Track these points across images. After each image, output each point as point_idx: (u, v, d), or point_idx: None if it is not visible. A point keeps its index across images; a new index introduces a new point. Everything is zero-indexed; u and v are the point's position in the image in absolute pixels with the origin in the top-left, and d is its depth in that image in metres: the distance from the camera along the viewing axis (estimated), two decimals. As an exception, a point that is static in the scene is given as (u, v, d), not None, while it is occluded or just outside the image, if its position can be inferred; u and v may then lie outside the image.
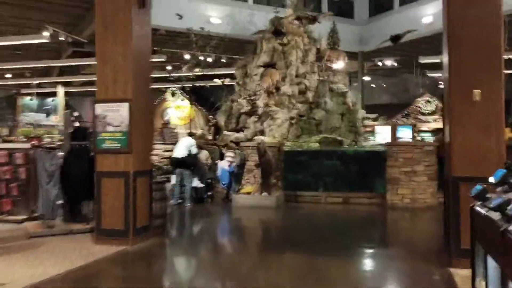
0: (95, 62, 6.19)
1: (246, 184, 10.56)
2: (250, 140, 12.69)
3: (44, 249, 5.63)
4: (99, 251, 5.49)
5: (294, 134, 13.30)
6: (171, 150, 10.97)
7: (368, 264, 5.56)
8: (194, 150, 9.96)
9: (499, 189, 2.89)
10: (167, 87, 21.03)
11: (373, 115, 19.86)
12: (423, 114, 21.54)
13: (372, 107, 21.09)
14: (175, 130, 19.20)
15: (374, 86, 25.45)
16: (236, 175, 10.66)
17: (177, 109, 22.38)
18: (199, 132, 16.94)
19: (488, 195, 2.87)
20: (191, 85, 16.69)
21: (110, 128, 5.92)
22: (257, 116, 14.02)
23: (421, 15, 17.13)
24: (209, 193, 10.79)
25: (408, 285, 4.70)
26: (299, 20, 14.69)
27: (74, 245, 5.81)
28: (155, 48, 15.51)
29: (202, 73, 16.25)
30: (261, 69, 13.91)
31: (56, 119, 21.83)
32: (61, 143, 7.59)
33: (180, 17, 14.08)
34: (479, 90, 4.78)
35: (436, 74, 19.64)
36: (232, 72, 16.16)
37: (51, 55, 18.80)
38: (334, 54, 15.20)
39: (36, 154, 6.65)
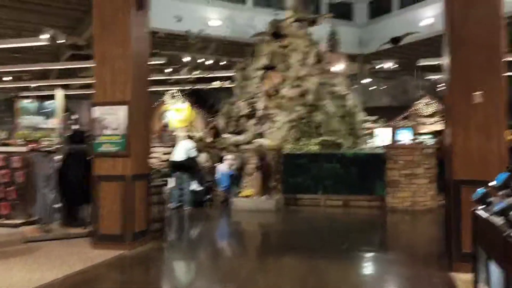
0: (93, 65, 6.15)
1: (245, 187, 10.51)
2: (249, 143, 12.63)
3: (41, 253, 5.57)
4: (97, 256, 5.43)
5: (294, 137, 13.23)
6: (170, 153, 10.92)
7: (368, 268, 5.50)
8: (193, 153, 9.91)
9: (501, 192, 2.84)
10: (166, 90, 21.00)
11: (373, 118, 19.82)
12: (423, 116, 21.51)
13: (371, 109, 21.01)
14: (174, 133, 19.15)
15: (373, 88, 25.44)
16: (235, 178, 10.61)
17: (176, 112, 22.32)
18: (198, 135, 16.90)
19: (490, 199, 2.83)
20: (190, 88, 16.66)
21: (108, 131, 5.87)
22: (256, 119, 13.97)
23: (421, 18, 17.15)
24: (208, 197, 10.74)
25: (409, 289, 4.65)
26: (298, 22, 14.67)
27: (72, 250, 5.75)
28: (154, 51, 15.50)
29: (201, 76, 16.22)
30: (261, 72, 13.87)
31: (54, 122, 21.77)
32: (59, 146, 7.54)
33: (179, 19, 14.05)
34: (480, 92, 4.74)
35: (436, 76, 19.65)
36: (231, 74, 16.14)
37: (49, 58, 18.78)
38: (333, 56, 15.18)
39: (33, 157, 6.59)
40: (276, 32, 14.06)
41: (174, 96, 20.80)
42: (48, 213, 6.43)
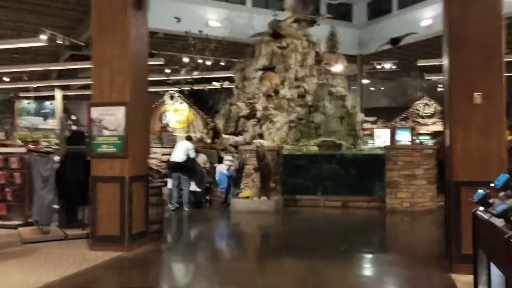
0: (92, 65, 6.12)
1: (244, 188, 10.47)
2: (249, 143, 12.61)
3: (38, 255, 5.53)
4: (94, 258, 5.39)
5: (293, 137, 13.23)
6: (169, 154, 10.89)
7: (367, 269, 5.47)
8: (192, 154, 9.88)
9: (502, 194, 2.82)
10: (165, 90, 20.97)
11: (372, 119, 19.82)
12: (422, 117, 21.51)
13: (371, 110, 21.06)
14: (174, 134, 19.13)
15: (373, 89, 25.44)
16: (235, 179, 10.58)
17: (176, 113, 22.30)
18: (197, 135, 16.86)
19: (491, 200, 2.80)
20: (189, 88, 16.64)
21: (106, 132, 5.83)
22: (256, 120, 13.95)
23: (420, 18, 17.13)
24: (208, 198, 10.71)
25: (408, 291, 4.63)
26: (297, 23, 14.64)
27: (69, 251, 5.71)
28: (153, 51, 15.48)
29: (200, 76, 16.20)
30: (260, 73, 13.85)
31: (53, 123, 21.75)
32: (57, 147, 7.51)
33: (179, 20, 14.04)
34: (480, 93, 4.71)
35: (435, 77, 19.65)
36: (231, 75, 16.11)
37: (49, 58, 18.75)
38: (333, 57, 15.16)
39: (31, 158, 6.55)
40: (275, 33, 14.03)
41: (173, 96, 20.80)
42: (45, 215, 6.38)
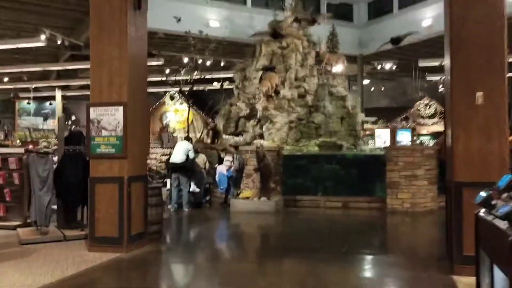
0: (90, 65, 6.08)
1: (244, 189, 10.44)
2: (249, 144, 12.57)
3: (36, 256, 5.49)
4: (93, 259, 5.35)
5: (294, 138, 13.19)
6: (169, 155, 10.85)
7: (368, 270, 5.43)
8: (192, 155, 9.84)
9: (504, 195, 2.77)
10: (165, 91, 20.94)
11: (373, 119, 19.78)
12: (423, 117, 21.47)
13: (371, 110, 21.01)
14: (174, 134, 19.11)
15: (373, 89, 25.39)
16: (235, 180, 10.54)
17: (176, 113, 22.30)
18: (197, 136, 16.83)
19: (493, 202, 2.75)
20: (189, 89, 16.59)
21: (104, 133, 5.79)
22: (256, 120, 13.92)
23: (421, 18, 17.08)
24: (207, 198, 10.67)
25: (409, 293, 4.58)
26: (297, 22, 14.60)
27: (67, 253, 5.67)
28: (153, 52, 15.44)
29: (200, 77, 16.15)
30: (260, 73, 13.81)
31: (53, 123, 21.71)
32: (56, 147, 7.48)
33: (178, 20, 13.99)
34: (482, 93, 4.67)
35: (436, 77, 19.59)
36: (231, 75, 16.07)
37: (49, 59, 18.72)
38: (333, 57, 15.12)
39: (29, 159, 6.51)
40: (275, 32, 13.99)
41: (173, 97, 20.78)
42: (43, 216, 6.35)
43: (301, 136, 13.34)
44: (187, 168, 9.66)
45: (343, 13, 20.05)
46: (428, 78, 20.40)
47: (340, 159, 10.50)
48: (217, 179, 10.72)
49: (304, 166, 10.53)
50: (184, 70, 15.86)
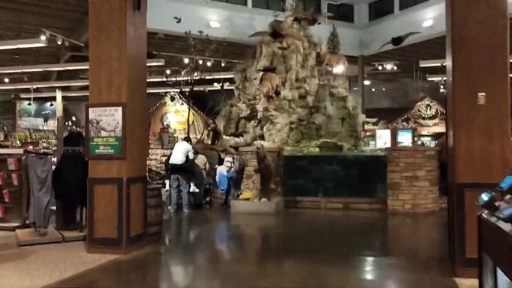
0: (89, 66, 6.05)
1: (245, 190, 10.40)
2: (249, 145, 12.53)
3: (35, 258, 5.45)
4: (91, 261, 5.31)
5: (294, 138, 13.15)
6: (168, 155, 10.82)
7: (368, 272, 5.38)
8: (191, 156, 9.81)
9: (507, 197, 2.73)
10: (166, 92, 20.92)
11: (373, 120, 19.73)
12: (424, 118, 21.42)
13: (372, 111, 20.96)
14: (175, 135, 19.08)
15: (374, 90, 25.36)
16: (235, 181, 10.50)
17: (177, 114, 22.29)
18: (198, 136, 16.79)
19: (496, 203, 2.71)
20: (190, 89, 16.56)
21: (103, 133, 5.75)
22: (256, 121, 13.88)
23: (422, 19, 17.04)
24: (208, 199, 10.63)
25: (411, 295, 4.54)
26: (298, 22, 14.55)
27: (66, 254, 5.63)
28: (153, 52, 15.42)
29: (201, 77, 16.13)
30: (261, 73, 13.76)
31: (54, 124, 21.70)
32: (55, 148, 7.44)
33: (179, 20, 13.96)
34: (484, 93, 4.63)
35: (437, 78, 19.55)
36: (231, 76, 16.04)
37: (49, 59, 18.71)
38: (334, 58, 15.07)
39: (27, 160, 6.47)
40: (275, 32, 13.94)
41: (174, 98, 20.76)
42: (42, 217, 6.30)
43: (301, 137, 13.30)
44: (187, 169, 9.62)
45: (344, 14, 20.02)
46: (429, 79, 20.36)
47: (340, 160, 10.45)
48: (217, 180, 10.68)
49: (304, 167, 10.49)
50: (184, 70, 15.84)
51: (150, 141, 15.88)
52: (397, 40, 13.49)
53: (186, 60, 15.99)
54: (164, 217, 7.67)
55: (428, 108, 21.33)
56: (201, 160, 10.66)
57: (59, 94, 21.24)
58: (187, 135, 14.20)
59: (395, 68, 19.68)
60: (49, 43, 13.59)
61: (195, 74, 15.82)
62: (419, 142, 18.83)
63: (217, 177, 10.69)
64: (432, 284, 4.61)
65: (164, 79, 16.70)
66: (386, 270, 5.34)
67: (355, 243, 6.86)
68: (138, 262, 5.45)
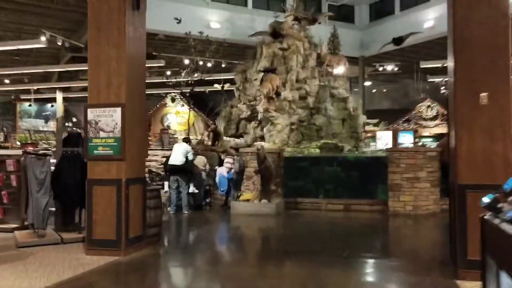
0: (89, 66, 6.02)
1: (245, 191, 10.36)
2: (249, 146, 12.49)
3: (33, 259, 5.41)
4: (90, 262, 5.27)
5: (295, 139, 13.11)
6: (167, 157, 10.77)
7: (369, 274, 5.33)
8: (191, 156, 9.78)
9: (511, 198, 2.68)
10: (166, 93, 20.90)
11: (374, 121, 19.70)
12: (424, 119, 21.37)
13: (373, 112, 20.94)
14: (175, 136, 19.04)
15: (375, 91, 25.32)
16: (235, 182, 10.47)
17: (177, 115, 22.25)
18: (198, 137, 16.75)
19: (499, 205, 2.67)
20: (190, 90, 16.54)
21: (102, 134, 5.71)
22: (257, 122, 13.85)
23: (422, 20, 17.02)
24: (208, 200, 10.59)
25: (412, 298, 4.49)
26: (298, 21, 14.53)
27: (64, 256, 5.59)
28: (154, 53, 15.40)
29: (201, 78, 16.11)
30: (261, 74, 13.74)
31: (54, 125, 21.68)
32: (55, 149, 7.40)
33: (179, 21, 13.94)
34: (486, 94, 4.59)
35: (437, 79, 19.52)
36: (231, 77, 16.01)
37: (49, 60, 18.70)
38: (334, 59, 15.05)
39: (26, 160, 6.44)
40: (275, 32, 13.90)
41: (174, 99, 20.74)
42: (41, 218, 6.26)
43: (302, 138, 13.27)
44: (186, 170, 9.58)
45: (344, 15, 20.00)
46: (430, 80, 20.33)
47: (341, 161, 10.41)
48: (217, 181, 10.64)
49: (305, 168, 10.45)
50: (184, 71, 15.82)
51: (150, 142, 15.86)
52: (398, 40, 13.44)
53: (186, 61, 15.97)
54: (164, 218, 7.63)
55: (429, 109, 21.29)
56: (200, 161, 10.62)
57: (59, 95, 21.20)
58: (186, 136, 14.17)
59: (396, 69, 19.64)
60: (49, 44, 13.57)
61: (196, 75, 15.80)
62: (420, 143, 18.78)
63: (217, 178, 10.65)
64: (433, 286, 4.57)
65: (165, 80, 16.69)
66: (387, 272, 5.29)
67: (356, 244, 6.81)
68: (137, 264, 5.41)
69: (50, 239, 6.25)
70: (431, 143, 18.84)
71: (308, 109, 13.74)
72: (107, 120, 5.70)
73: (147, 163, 10.91)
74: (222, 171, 10.56)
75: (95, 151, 5.74)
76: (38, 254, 5.65)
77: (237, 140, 13.88)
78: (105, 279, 4.89)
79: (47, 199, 6.33)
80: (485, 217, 2.86)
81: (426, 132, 21.10)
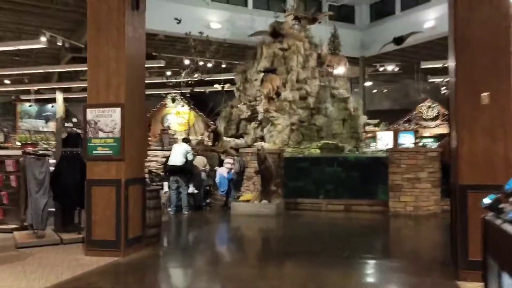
0: (88, 66, 6.00)
1: (245, 192, 10.33)
2: (250, 146, 12.47)
3: (32, 260, 5.39)
4: (89, 263, 5.25)
5: (295, 140, 13.09)
6: (167, 157, 10.74)
7: (370, 275, 5.31)
8: (190, 157, 9.75)
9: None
10: (167, 93, 20.89)
11: (375, 121, 19.67)
12: (425, 119, 21.35)
13: (373, 113, 20.91)
14: (175, 136, 19.02)
15: (375, 91, 25.30)
16: (235, 182, 10.44)
17: (178, 115, 22.23)
18: (198, 138, 16.73)
19: (501, 206, 2.64)
20: (190, 91, 16.53)
21: (101, 134, 5.69)
22: (257, 122, 13.82)
23: (423, 20, 17.00)
24: (208, 201, 10.56)
25: (413, 299, 4.46)
26: (298, 20, 14.50)
27: (63, 256, 5.57)
28: (154, 53, 15.39)
29: (201, 79, 16.10)
30: (261, 75, 13.72)
31: (54, 126, 21.66)
32: (54, 149, 7.38)
33: (179, 21, 13.92)
34: (487, 93, 4.56)
35: (438, 79, 19.51)
36: (232, 77, 16.00)
37: (50, 61, 18.70)
38: (335, 59, 15.03)
39: (25, 161, 6.41)
40: (275, 31, 13.87)
41: (175, 99, 20.71)
42: (40, 219, 6.24)
43: (302, 138, 13.24)
44: (186, 170, 9.56)
45: (345, 15, 19.98)
46: (430, 80, 20.31)
47: (342, 161, 10.38)
48: (217, 181, 10.61)
49: (305, 169, 10.42)
50: (184, 72, 15.81)
51: (150, 142, 15.83)
52: (398, 40, 13.38)
53: (186, 62, 15.95)
54: (164, 219, 7.60)
55: (430, 109, 21.27)
56: (200, 161, 10.59)
57: (60, 96, 21.21)
58: (186, 136, 14.14)
59: (396, 69, 19.62)
60: (49, 44, 13.57)
61: (196, 75, 15.79)
62: (421, 144, 18.75)
63: (217, 178, 10.62)
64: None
65: (165, 81, 16.67)
66: (388, 273, 5.27)
67: (356, 245, 6.79)
68: (136, 265, 5.38)
69: (49, 239, 6.23)
70: (431, 144, 18.82)
71: (309, 109, 13.71)
72: (107, 120, 5.68)
73: (147, 164, 10.89)
74: (222, 172, 10.53)
75: (94, 152, 5.72)
76: (37, 255, 5.63)
77: (237, 141, 13.85)
78: (104, 280, 4.86)
79: (46, 200, 6.30)
80: (487, 217, 2.84)
81: (426, 133, 21.08)
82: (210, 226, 8.87)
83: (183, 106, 20.76)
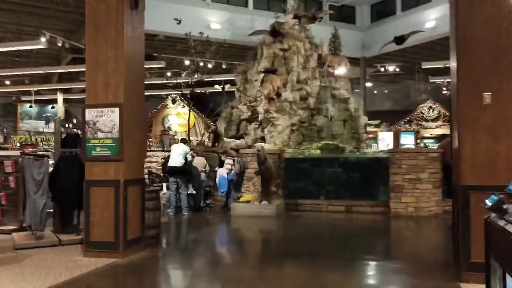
0: (86, 67, 5.96)
1: (245, 192, 10.29)
2: (250, 147, 12.43)
3: (30, 261, 5.35)
4: (87, 264, 5.21)
5: (295, 141, 13.05)
6: (166, 158, 10.71)
7: (371, 277, 5.26)
8: (190, 157, 9.72)
9: (515, 199, 2.61)
10: (167, 94, 20.87)
11: (376, 122, 19.63)
12: (426, 120, 21.31)
13: (374, 113, 20.88)
14: (175, 137, 19.01)
15: (376, 92, 25.26)
16: (235, 183, 10.40)
17: (178, 116, 22.23)
18: (198, 138, 16.71)
19: (504, 206, 2.60)
20: (190, 92, 16.49)
21: (100, 135, 5.65)
22: (257, 123, 13.79)
23: (424, 20, 16.96)
24: (208, 202, 10.53)
25: (414, 301, 4.42)
26: (298, 19, 14.46)
27: (62, 258, 5.53)
28: (154, 54, 15.36)
29: (201, 79, 16.06)
30: (262, 75, 13.68)
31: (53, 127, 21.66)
32: (53, 150, 7.34)
33: (179, 21, 13.89)
34: (489, 93, 4.52)
35: (439, 80, 19.46)
36: (232, 78, 15.97)
37: (50, 62, 18.70)
38: (335, 59, 15.00)
39: (23, 162, 6.37)
40: (275, 30, 13.83)
41: (175, 100, 20.69)
42: (38, 220, 6.20)
43: (303, 139, 13.20)
44: (185, 171, 9.52)
45: (345, 15, 19.95)
46: (432, 81, 20.26)
47: (342, 162, 10.35)
48: (217, 182, 10.57)
49: (306, 169, 10.37)
50: (185, 72, 15.77)
51: (150, 143, 15.80)
52: (399, 39, 13.31)
53: (186, 62, 15.92)
54: (163, 220, 7.57)
55: (431, 110, 21.23)
56: (200, 162, 10.56)
57: (60, 97, 21.20)
58: (184, 137, 14.10)
59: (397, 69, 19.58)
60: (49, 45, 13.55)
61: (196, 76, 15.75)
62: (422, 144, 18.71)
63: (217, 179, 10.59)
64: (436, 289, 4.49)
65: (165, 81, 16.64)
66: (389, 275, 5.22)
67: (357, 246, 6.74)
68: (135, 266, 5.34)
69: (47, 241, 6.19)
70: (433, 144, 18.78)
71: (309, 110, 13.68)
72: (105, 121, 5.64)
73: (148, 165, 10.86)
74: (222, 172, 10.49)
75: (93, 152, 5.68)
76: (35, 256, 5.59)
77: (237, 141, 13.82)
78: (103, 282, 4.82)
79: (45, 201, 6.26)
80: (489, 218, 2.79)
81: (427, 133, 21.04)
82: (210, 227, 8.82)
83: (183, 107, 20.75)
